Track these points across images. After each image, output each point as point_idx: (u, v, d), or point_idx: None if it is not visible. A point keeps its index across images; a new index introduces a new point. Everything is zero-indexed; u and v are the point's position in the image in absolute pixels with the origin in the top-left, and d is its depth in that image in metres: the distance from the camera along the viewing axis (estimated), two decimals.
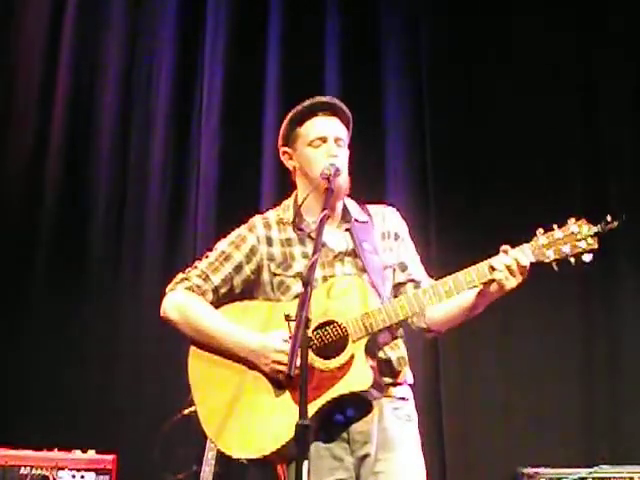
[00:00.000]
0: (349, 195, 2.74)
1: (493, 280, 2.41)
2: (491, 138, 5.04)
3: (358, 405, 2.49)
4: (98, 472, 3.80)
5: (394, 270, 2.68)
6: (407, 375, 2.63)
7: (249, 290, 2.69)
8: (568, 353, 4.83)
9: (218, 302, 2.64)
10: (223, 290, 2.64)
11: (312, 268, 2.19)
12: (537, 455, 4.32)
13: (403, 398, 2.59)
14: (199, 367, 2.60)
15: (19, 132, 5.08)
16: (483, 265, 2.43)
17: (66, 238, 4.96)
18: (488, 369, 4.85)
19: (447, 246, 4.71)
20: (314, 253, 2.24)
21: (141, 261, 5.00)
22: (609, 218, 2.33)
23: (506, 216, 4.73)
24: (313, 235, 2.49)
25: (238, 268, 2.64)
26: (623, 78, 5.11)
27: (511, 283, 2.40)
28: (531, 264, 2.40)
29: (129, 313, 4.91)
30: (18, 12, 5.20)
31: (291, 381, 2.34)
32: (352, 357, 2.42)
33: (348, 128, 2.72)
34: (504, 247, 2.42)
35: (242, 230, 2.70)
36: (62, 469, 3.77)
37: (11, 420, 4.45)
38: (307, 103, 2.68)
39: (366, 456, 2.48)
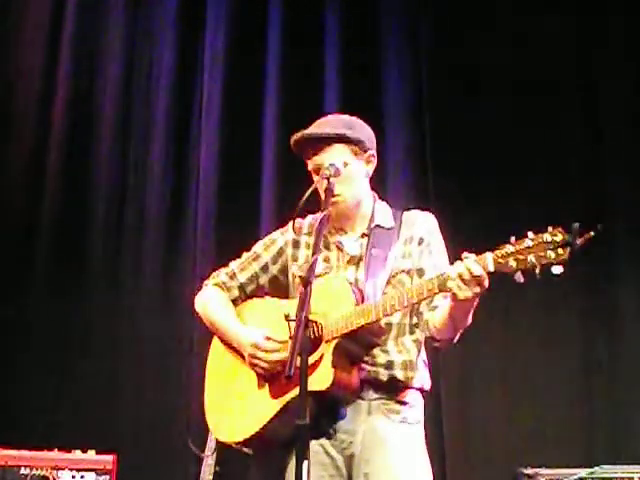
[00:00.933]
0: (385, 200, 2.80)
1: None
2: (491, 138, 5.03)
3: (346, 404, 2.51)
4: (98, 472, 3.79)
5: (412, 275, 2.63)
6: (415, 380, 2.62)
7: (283, 289, 2.81)
8: (568, 353, 4.82)
9: (247, 298, 2.81)
10: (250, 287, 2.81)
11: (312, 269, 2.23)
12: (537, 455, 4.32)
13: (401, 401, 2.58)
14: (212, 358, 2.80)
15: (19, 132, 5.08)
16: (446, 272, 2.28)
17: (66, 238, 4.95)
18: (488, 369, 4.85)
19: (447, 246, 4.68)
20: (313, 254, 2.28)
21: (141, 261, 5.00)
22: (577, 226, 2.04)
23: (506, 216, 4.72)
24: (331, 239, 2.67)
25: (264, 268, 2.79)
26: (623, 78, 5.11)
27: (465, 293, 2.22)
28: (492, 274, 2.19)
29: (129, 313, 4.91)
30: (18, 12, 5.20)
31: (278, 376, 2.52)
32: (322, 357, 2.44)
33: (345, 142, 2.62)
34: (464, 254, 2.26)
35: (276, 233, 2.85)
36: (62, 469, 3.76)
37: (11, 420, 4.44)
38: (292, 143, 2.69)
39: (353, 455, 2.51)
